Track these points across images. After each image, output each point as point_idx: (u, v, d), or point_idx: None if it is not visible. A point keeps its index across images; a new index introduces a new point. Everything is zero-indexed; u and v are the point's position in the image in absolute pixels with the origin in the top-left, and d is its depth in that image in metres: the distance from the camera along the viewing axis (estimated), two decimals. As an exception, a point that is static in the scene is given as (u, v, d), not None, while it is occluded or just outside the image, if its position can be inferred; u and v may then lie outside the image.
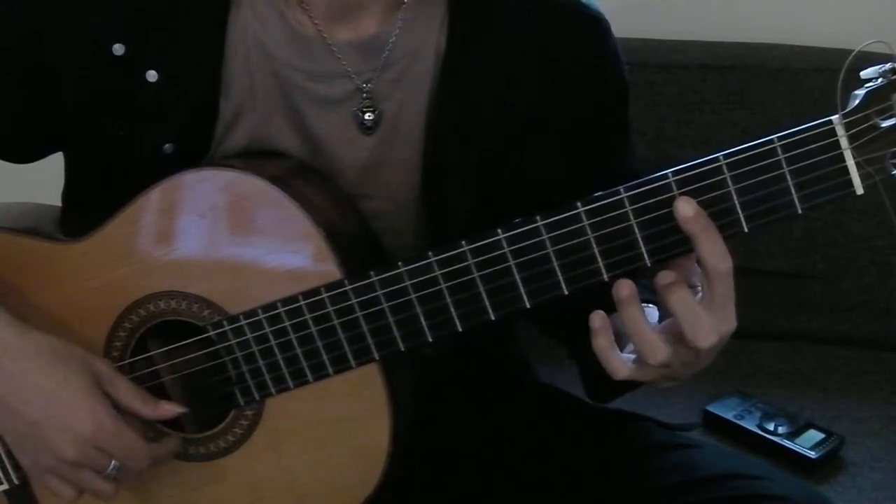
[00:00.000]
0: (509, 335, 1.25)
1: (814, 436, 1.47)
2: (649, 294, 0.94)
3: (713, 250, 0.87)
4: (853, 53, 0.85)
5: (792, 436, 1.47)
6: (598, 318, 0.91)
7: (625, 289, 0.89)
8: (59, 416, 0.97)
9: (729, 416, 1.51)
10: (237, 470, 1.05)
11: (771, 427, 1.48)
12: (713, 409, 1.52)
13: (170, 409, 1.02)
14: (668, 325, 0.92)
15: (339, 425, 1.03)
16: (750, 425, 1.50)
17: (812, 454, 1.44)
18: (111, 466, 0.99)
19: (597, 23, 1.09)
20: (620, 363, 0.92)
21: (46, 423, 0.97)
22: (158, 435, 1.05)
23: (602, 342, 0.92)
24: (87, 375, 0.99)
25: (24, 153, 1.14)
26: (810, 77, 1.66)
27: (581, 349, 1.07)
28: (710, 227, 0.87)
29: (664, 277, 0.89)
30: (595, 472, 1.12)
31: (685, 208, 0.87)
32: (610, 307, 0.92)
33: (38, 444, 0.99)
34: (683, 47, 1.72)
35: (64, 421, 0.97)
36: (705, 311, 0.89)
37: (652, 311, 0.97)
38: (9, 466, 1.08)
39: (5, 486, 1.09)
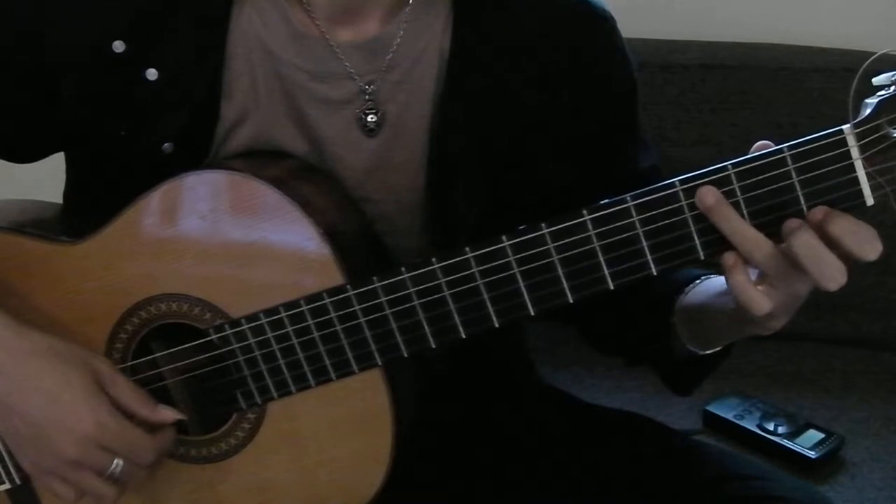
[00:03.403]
0: (515, 337, 1.25)
1: (814, 436, 1.47)
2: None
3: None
4: (868, 60, 0.83)
5: (792, 436, 1.47)
6: (730, 257, 0.87)
7: (710, 196, 0.86)
8: (59, 415, 0.97)
9: (729, 416, 1.51)
10: (239, 472, 1.05)
11: (771, 427, 1.48)
12: (713, 409, 1.52)
13: (169, 415, 1.01)
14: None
15: (341, 428, 1.02)
16: (750, 425, 1.49)
17: (812, 454, 1.43)
18: (114, 465, 0.98)
19: (602, 21, 1.09)
20: (760, 296, 0.87)
21: (47, 423, 0.97)
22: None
23: (740, 277, 0.87)
24: (87, 374, 0.98)
25: (25, 153, 1.14)
26: (810, 77, 1.65)
27: (647, 352, 1.09)
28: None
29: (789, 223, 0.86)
30: (597, 473, 1.12)
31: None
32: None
33: (40, 444, 0.98)
34: (683, 47, 1.71)
35: (65, 420, 0.97)
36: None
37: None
38: (10, 466, 1.07)
39: (7, 486, 1.09)
